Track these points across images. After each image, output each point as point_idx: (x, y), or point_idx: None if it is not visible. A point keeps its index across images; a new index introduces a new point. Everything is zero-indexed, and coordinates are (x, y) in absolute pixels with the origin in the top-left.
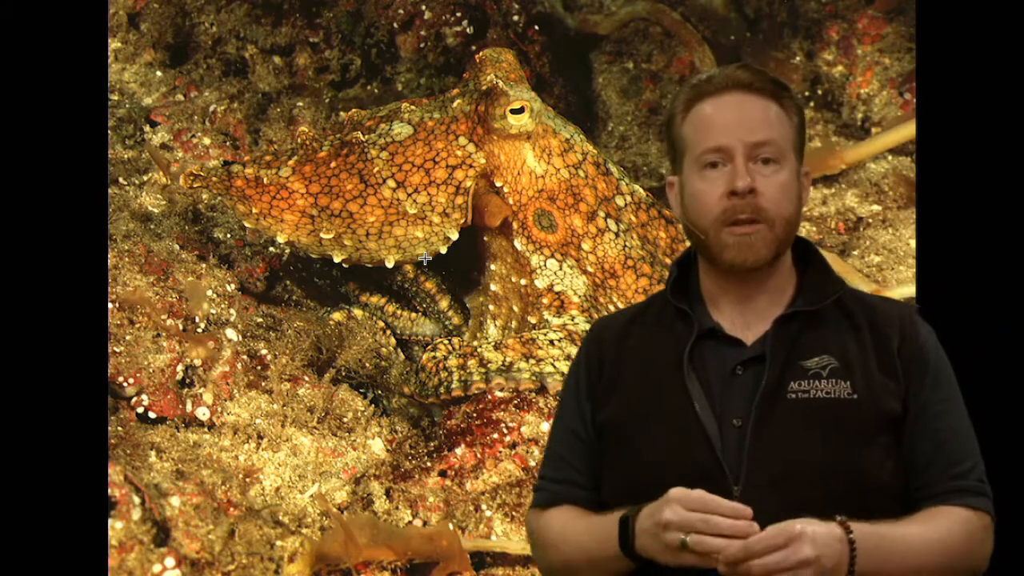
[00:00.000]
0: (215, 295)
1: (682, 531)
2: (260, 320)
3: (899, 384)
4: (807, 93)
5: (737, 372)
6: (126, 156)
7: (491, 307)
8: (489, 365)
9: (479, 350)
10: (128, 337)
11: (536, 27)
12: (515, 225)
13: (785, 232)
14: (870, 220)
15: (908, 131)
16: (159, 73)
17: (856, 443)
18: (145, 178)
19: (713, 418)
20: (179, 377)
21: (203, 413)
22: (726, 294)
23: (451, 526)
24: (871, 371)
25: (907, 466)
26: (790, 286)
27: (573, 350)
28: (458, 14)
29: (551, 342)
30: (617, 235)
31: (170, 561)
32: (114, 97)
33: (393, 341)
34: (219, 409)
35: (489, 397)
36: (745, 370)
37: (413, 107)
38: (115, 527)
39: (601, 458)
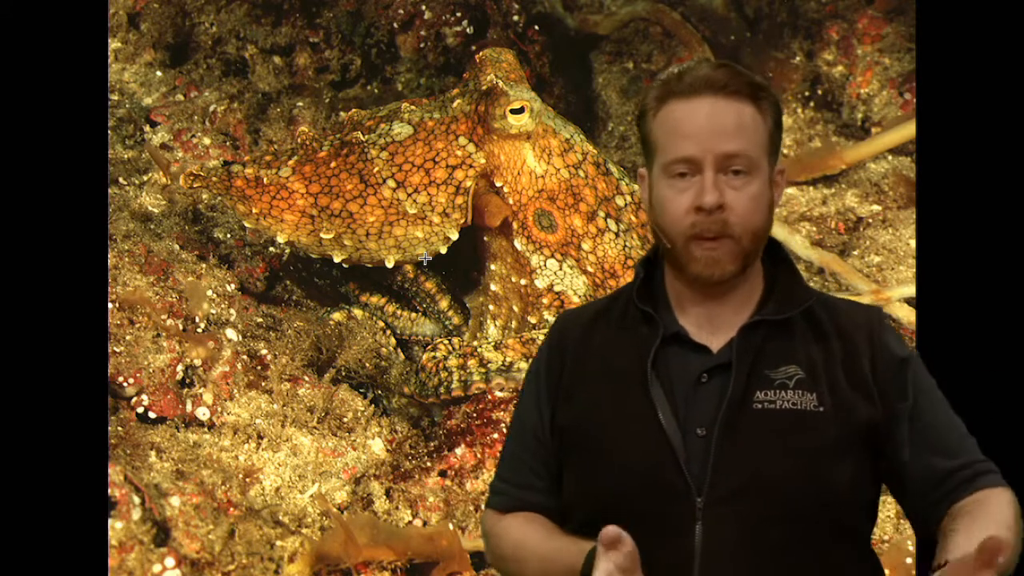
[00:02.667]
0: (215, 295)
1: None
2: (260, 320)
3: (870, 395)
4: (807, 93)
5: (702, 380)
6: (126, 156)
7: (491, 307)
8: (489, 365)
9: (479, 350)
10: (128, 337)
11: (536, 27)
12: (515, 225)
13: (753, 244)
14: (870, 220)
15: (908, 131)
16: (159, 73)
17: (821, 456)
18: (145, 178)
19: (677, 427)
20: (179, 377)
21: (203, 413)
22: (692, 298)
23: (451, 526)
24: (838, 382)
25: (908, 473)
26: (758, 289)
27: None
28: (458, 14)
29: None
30: (617, 235)
31: (170, 561)
32: (114, 97)
33: (393, 341)
34: (219, 409)
35: (489, 397)
36: (710, 378)
37: (413, 107)
38: (115, 527)
39: (562, 460)
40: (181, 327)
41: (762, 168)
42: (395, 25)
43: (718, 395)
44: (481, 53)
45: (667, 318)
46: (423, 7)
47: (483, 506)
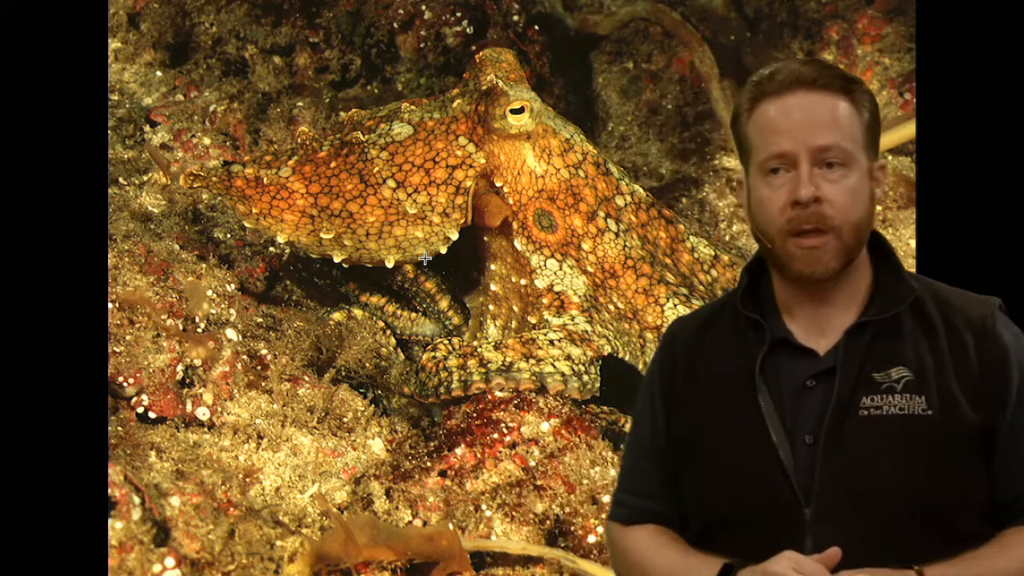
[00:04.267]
0: (215, 295)
1: None
2: (260, 320)
3: (978, 398)
4: None
5: (808, 385)
6: (126, 156)
7: (491, 307)
8: (489, 365)
9: (479, 350)
10: (128, 337)
11: (536, 27)
12: (515, 225)
13: (854, 238)
14: None
15: (908, 131)
16: (159, 73)
17: (931, 463)
18: (145, 178)
19: (784, 435)
20: (179, 377)
21: (203, 413)
22: (799, 300)
23: (451, 526)
24: (948, 383)
25: (993, 484)
26: (864, 286)
27: (573, 350)
28: (458, 14)
29: (551, 342)
30: (617, 235)
31: (170, 561)
32: (114, 97)
33: (393, 341)
34: (219, 409)
35: (489, 397)
36: (817, 383)
37: (413, 107)
38: (115, 527)
39: (677, 468)
40: (181, 327)
41: (859, 161)
42: (395, 25)
43: (823, 401)
44: (481, 53)
45: (774, 323)
46: (423, 7)
47: (606, 519)
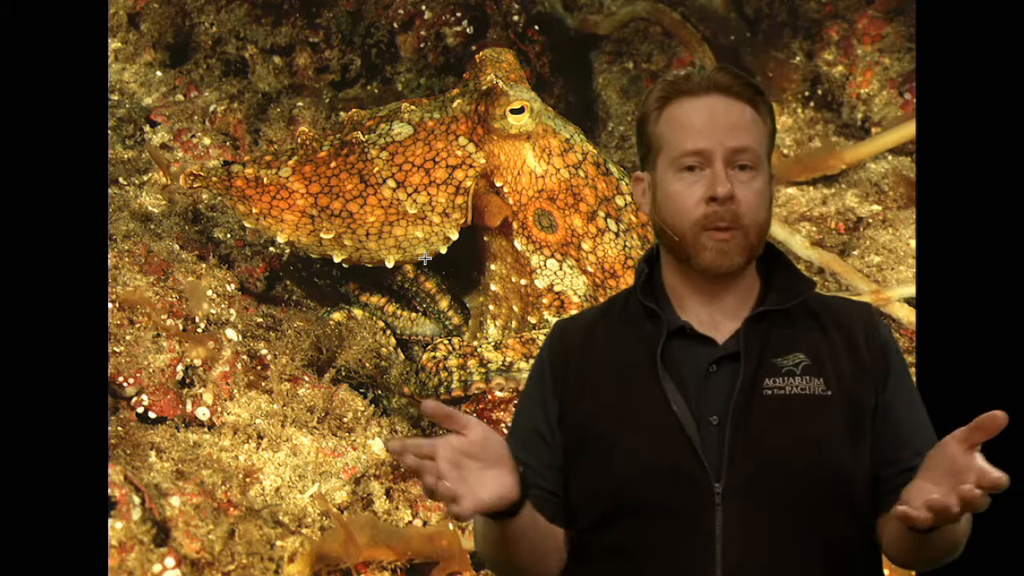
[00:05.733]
0: (215, 295)
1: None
2: (260, 320)
3: (868, 381)
4: (807, 93)
5: (711, 370)
6: (126, 156)
7: (491, 307)
8: (489, 365)
9: (479, 350)
10: (128, 337)
11: (536, 27)
12: (515, 225)
13: (758, 238)
14: (870, 220)
15: (908, 131)
16: (159, 73)
17: (832, 438)
18: (145, 178)
19: (691, 417)
20: (179, 377)
21: (203, 413)
22: (693, 293)
23: (451, 526)
24: (842, 368)
25: (874, 460)
26: (755, 286)
27: None
28: (458, 14)
29: None
30: (617, 235)
31: (170, 561)
32: (114, 97)
33: (393, 341)
34: (219, 409)
35: (489, 397)
36: (719, 368)
37: (413, 107)
38: (115, 527)
39: (572, 461)
40: (181, 327)
41: (764, 166)
42: (395, 25)
43: (728, 384)
44: (481, 53)
45: (670, 314)
46: (423, 7)
47: None
